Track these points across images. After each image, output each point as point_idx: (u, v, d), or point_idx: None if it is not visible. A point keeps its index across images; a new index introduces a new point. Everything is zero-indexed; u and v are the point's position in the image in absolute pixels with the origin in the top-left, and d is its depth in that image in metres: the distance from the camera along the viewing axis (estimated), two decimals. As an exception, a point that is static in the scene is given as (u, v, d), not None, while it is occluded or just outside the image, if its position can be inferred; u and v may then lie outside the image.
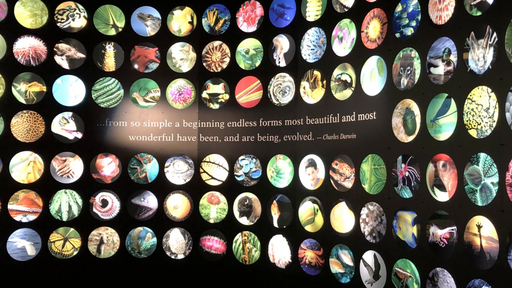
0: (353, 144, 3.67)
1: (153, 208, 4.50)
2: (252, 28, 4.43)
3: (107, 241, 4.45)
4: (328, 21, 3.91)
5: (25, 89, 4.34)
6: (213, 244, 4.48)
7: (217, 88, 4.54)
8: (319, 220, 3.94)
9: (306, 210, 4.07)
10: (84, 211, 4.41)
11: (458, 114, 2.68)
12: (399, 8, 3.22)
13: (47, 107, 4.37)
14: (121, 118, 4.51)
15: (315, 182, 3.99)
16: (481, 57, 2.54)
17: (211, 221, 4.50)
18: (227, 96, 4.51)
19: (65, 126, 4.41)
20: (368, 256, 3.47)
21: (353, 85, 3.66)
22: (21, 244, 4.31)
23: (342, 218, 3.73)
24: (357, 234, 3.56)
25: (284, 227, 4.22)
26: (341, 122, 3.77)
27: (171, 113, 4.56)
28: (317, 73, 4.00)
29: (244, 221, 4.41)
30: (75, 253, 4.40)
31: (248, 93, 4.43)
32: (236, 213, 4.44)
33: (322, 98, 3.95)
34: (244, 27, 4.47)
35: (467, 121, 2.62)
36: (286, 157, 4.24)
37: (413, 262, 3.05)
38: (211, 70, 4.55)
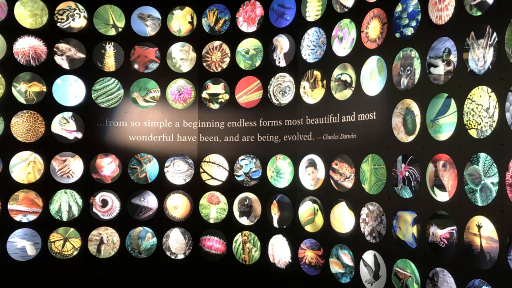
0: (353, 144, 3.66)
1: (153, 208, 4.50)
2: (252, 28, 4.43)
3: (107, 241, 4.45)
4: (328, 21, 3.91)
5: (25, 89, 4.34)
6: (213, 244, 4.48)
7: (217, 88, 4.54)
8: (319, 220, 3.94)
9: (306, 210, 4.06)
10: (84, 211, 4.40)
11: (458, 114, 2.68)
12: (399, 8, 3.22)
13: (47, 107, 4.37)
14: (121, 118, 4.51)
15: (315, 182, 3.99)
16: (481, 57, 2.54)
17: (211, 221, 4.50)
18: (227, 96, 4.51)
19: (65, 126, 4.41)
20: (368, 256, 3.47)
21: (353, 85, 3.66)
22: (21, 244, 4.31)
23: (342, 218, 3.73)
24: (357, 234, 3.56)
25: (284, 227, 4.22)
26: (341, 122, 3.77)
27: (171, 113, 4.56)
28: (317, 73, 4.00)
29: (244, 221, 4.41)
30: (75, 253, 4.40)
31: (248, 93, 4.43)
32: (236, 213, 4.44)
33: (322, 98, 3.95)
34: (244, 27, 4.47)
35: (467, 121, 2.62)
36: (286, 157, 4.24)
37: (413, 262, 3.05)
38: (211, 70, 4.55)
